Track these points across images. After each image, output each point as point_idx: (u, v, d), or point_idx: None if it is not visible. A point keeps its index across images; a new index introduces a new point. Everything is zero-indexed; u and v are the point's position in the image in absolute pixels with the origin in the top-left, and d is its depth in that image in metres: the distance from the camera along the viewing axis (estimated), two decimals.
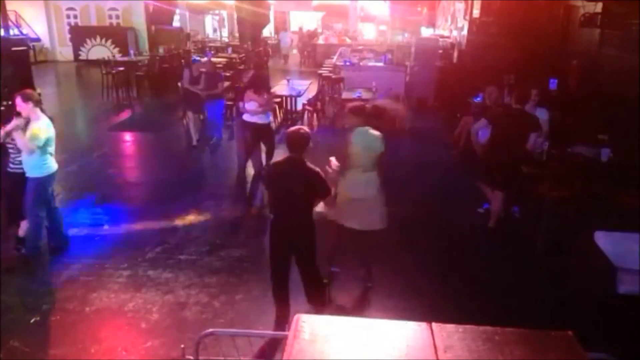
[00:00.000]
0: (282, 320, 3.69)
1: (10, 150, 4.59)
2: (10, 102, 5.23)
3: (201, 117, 9.04)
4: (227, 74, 11.20)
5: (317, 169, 3.52)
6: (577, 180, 4.99)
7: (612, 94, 7.14)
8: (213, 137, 8.84)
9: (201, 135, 8.85)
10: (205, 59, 10.70)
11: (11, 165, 4.64)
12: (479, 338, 1.89)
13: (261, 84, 6.81)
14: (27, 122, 4.47)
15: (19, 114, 4.47)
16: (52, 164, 4.69)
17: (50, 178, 4.70)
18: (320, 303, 3.90)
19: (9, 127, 4.39)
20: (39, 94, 4.64)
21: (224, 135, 9.04)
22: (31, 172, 4.54)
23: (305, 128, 3.71)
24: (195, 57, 14.19)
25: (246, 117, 6.71)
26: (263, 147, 7.00)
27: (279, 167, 3.64)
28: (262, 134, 6.81)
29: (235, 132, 7.19)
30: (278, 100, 10.10)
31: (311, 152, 3.58)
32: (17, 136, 4.37)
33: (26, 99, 4.44)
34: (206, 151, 8.61)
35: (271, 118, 7.20)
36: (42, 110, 4.64)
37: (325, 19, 27.40)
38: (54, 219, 4.87)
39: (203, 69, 8.64)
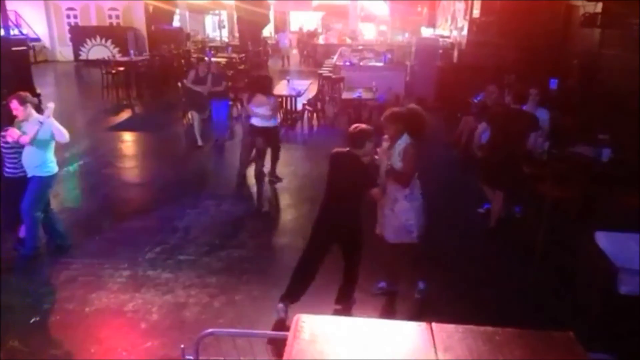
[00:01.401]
0: (289, 299, 3.77)
1: (7, 155, 4.55)
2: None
3: (204, 116, 9.04)
4: (227, 74, 11.19)
5: (366, 165, 3.63)
6: (578, 181, 4.99)
7: (612, 94, 7.13)
8: (217, 137, 8.83)
9: (204, 135, 8.86)
10: (206, 58, 10.71)
11: (7, 170, 4.60)
12: (479, 338, 1.89)
13: (269, 86, 6.68)
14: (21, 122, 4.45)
15: (14, 117, 4.44)
16: (55, 166, 4.68)
17: (52, 179, 4.69)
18: (345, 302, 3.95)
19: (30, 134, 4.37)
20: (39, 94, 4.62)
21: (227, 135, 9.03)
22: (35, 172, 4.52)
23: (365, 126, 3.74)
24: (209, 52, 14.28)
25: (256, 121, 6.52)
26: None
27: (339, 156, 3.73)
28: (271, 138, 6.70)
29: (242, 135, 7.04)
30: (278, 100, 10.10)
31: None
32: (54, 126, 4.37)
33: (22, 101, 4.40)
34: (208, 151, 8.60)
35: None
36: (40, 111, 4.62)
37: (326, 18, 27.39)
38: (51, 220, 4.86)
39: (205, 69, 8.64)
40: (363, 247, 3.89)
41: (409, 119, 3.88)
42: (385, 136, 3.92)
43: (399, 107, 4.12)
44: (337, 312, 3.86)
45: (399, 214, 3.90)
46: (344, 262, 3.93)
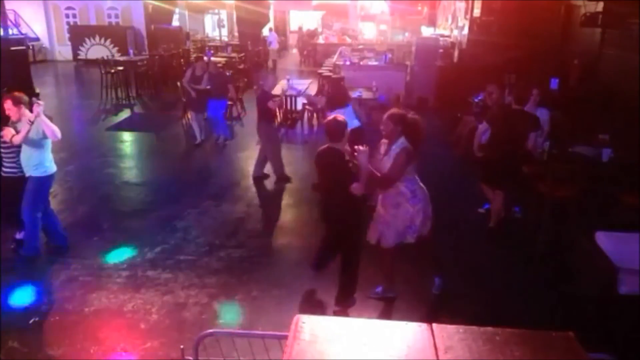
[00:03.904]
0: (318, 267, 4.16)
1: (5, 154, 4.52)
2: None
3: (204, 116, 9.03)
4: (227, 74, 11.19)
5: (345, 159, 3.60)
6: (578, 181, 4.98)
7: (613, 94, 7.14)
8: (219, 137, 8.82)
9: (206, 134, 8.85)
10: (205, 58, 10.69)
11: (5, 170, 4.59)
12: (479, 339, 1.88)
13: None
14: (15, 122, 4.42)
15: (8, 118, 4.41)
16: (53, 165, 4.68)
17: (50, 178, 4.68)
18: (344, 303, 3.94)
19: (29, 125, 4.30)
20: (38, 94, 4.59)
21: (229, 134, 9.03)
22: (33, 172, 4.51)
23: (341, 117, 3.74)
24: (209, 51, 14.23)
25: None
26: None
27: (320, 154, 3.75)
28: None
29: (273, 138, 6.90)
30: (278, 99, 10.09)
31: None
32: (44, 124, 4.33)
33: (16, 102, 4.37)
34: (208, 151, 8.59)
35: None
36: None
37: (325, 18, 27.37)
38: (50, 219, 4.85)
39: (203, 69, 8.63)
40: (360, 247, 3.87)
41: (408, 125, 3.85)
42: (384, 140, 3.92)
43: (400, 110, 4.08)
44: (335, 314, 3.85)
45: (403, 217, 3.89)
46: (341, 261, 3.93)
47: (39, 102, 4.38)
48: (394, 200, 3.90)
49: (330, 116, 3.83)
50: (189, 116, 9.08)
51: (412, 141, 3.81)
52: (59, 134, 4.49)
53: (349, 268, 3.91)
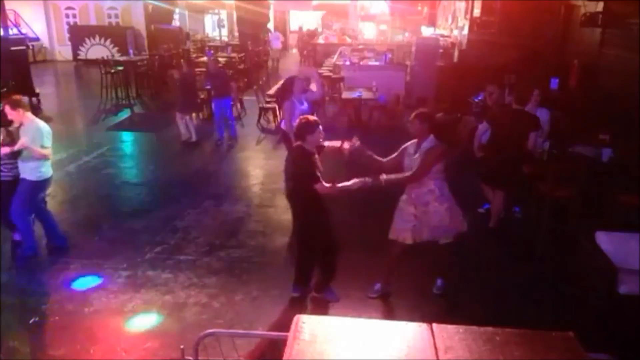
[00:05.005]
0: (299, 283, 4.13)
1: (2, 158, 4.49)
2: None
3: (201, 115, 9.03)
4: (228, 73, 11.19)
5: (304, 159, 3.68)
6: (578, 181, 4.98)
7: (613, 94, 7.13)
8: (219, 137, 8.81)
9: (204, 134, 8.83)
10: (204, 58, 10.70)
11: (3, 174, 4.54)
12: (479, 338, 1.89)
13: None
14: (18, 127, 4.41)
15: (8, 122, 4.39)
16: (49, 170, 4.62)
17: (44, 184, 4.63)
18: (321, 290, 4.09)
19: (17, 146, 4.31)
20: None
21: (233, 134, 9.05)
22: (28, 175, 4.48)
23: (310, 117, 3.80)
24: (209, 51, 14.26)
25: None
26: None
27: (291, 150, 4.00)
28: None
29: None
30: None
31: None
32: (34, 151, 4.35)
33: (15, 105, 4.34)
34: (207, 151, 8.59)
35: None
36: (39, 110, 4.59)
37: (325, 18, 27.37)
38: (47, 220, 4.84)
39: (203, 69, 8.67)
40: (307, 244, 3.97)
41: (436, 124, 3.90)
42: (413, 140, 3.92)
43: (426, 109, 4.14)
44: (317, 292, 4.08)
45: (432, 215, 3.90)
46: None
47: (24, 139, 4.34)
48: (424, 198, 3.90)
49: (303, 116, 3.89)
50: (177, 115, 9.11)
51: (441, 140, 3.85)
52: (49, 157, 4.51)
53: (327, 266, 4.01)
